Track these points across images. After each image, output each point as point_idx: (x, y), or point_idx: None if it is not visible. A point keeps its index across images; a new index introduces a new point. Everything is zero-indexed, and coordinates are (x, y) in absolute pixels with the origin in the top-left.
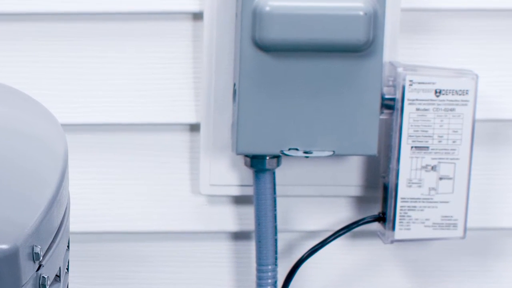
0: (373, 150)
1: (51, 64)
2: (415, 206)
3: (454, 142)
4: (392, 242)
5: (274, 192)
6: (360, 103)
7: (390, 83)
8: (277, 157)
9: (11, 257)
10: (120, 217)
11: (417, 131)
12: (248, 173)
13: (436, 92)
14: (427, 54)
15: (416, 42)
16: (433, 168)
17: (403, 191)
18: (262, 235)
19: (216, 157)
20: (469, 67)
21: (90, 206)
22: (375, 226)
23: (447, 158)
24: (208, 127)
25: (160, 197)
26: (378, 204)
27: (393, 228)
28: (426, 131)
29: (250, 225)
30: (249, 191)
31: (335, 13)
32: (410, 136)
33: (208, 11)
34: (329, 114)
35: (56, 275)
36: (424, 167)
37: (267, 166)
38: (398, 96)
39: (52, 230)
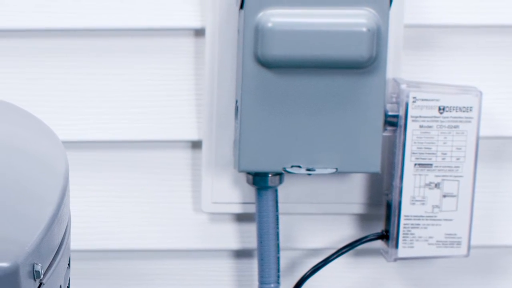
0: (376, 167)
1: (52, 80)
2: (418, 224)
3: (458, 159)
4: (395, 260)
5: (277, 210)
6: (363, 120)
7: (394, 99)
8: (279, 175)
9: (12, 275)
10: (121, 235)
11: (420, 148)
12: (250, 190)
13: (439, 109)
14: (431, 71)
15: (420, 59)
16: (437, 185)
17: (406, 208)
18: (265, 253)
19: (218, 174)
20: (473, 83)
21: (91, 224)
22: (378, 244)
23: (450, 176)
24: (210, 144)
25: (162, 215)
26: (381, 222)
27: (397, 246)
28: (430, 148)
29: (252, 243)
30: (251, 209)
31: (338, 30)
32: (414, 153)
33: (210, 27)
34: (332, 131)
35: None
36: (428, 185)
37: (270, 184)
38: (401, 113)
39: (53, 248)
